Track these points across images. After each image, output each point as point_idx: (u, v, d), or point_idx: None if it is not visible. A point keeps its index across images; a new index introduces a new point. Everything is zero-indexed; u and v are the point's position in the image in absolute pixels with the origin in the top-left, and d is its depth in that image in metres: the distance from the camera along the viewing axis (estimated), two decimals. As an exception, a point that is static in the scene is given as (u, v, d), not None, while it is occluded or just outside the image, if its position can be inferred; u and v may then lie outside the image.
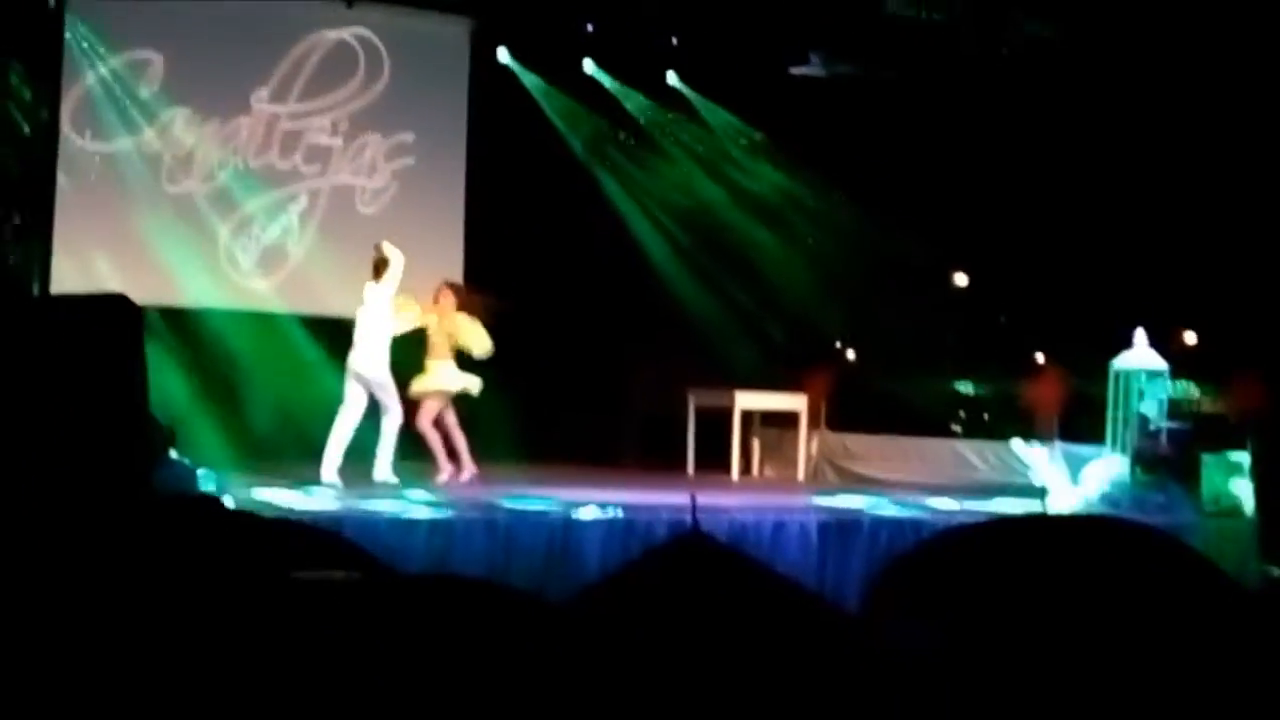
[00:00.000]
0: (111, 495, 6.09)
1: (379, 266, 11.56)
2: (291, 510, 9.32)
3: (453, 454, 11.91)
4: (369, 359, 11.42)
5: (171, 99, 13.98)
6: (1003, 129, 14.38)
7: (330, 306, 13.96)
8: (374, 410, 11.51)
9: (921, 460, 13.75)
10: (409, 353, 11.90)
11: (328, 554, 4.31)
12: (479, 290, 12.44)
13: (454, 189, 15.22)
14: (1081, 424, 12.70)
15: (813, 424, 14.59)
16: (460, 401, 12.04)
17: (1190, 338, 13.68)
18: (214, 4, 13.97)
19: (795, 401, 14.52)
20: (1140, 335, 12.20)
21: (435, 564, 8.89)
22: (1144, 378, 12.02)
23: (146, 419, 7.47)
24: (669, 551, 4.00)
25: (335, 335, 13.64)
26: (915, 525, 10.21)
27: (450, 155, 15.23)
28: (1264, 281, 13.30)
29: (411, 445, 11.87)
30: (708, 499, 10.20)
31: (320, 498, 10.26)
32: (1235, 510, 11.15)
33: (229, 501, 9.15)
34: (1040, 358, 14.33)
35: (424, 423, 11.78)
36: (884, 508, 10.92)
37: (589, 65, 15.69)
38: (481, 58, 15.30)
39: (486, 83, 15.27)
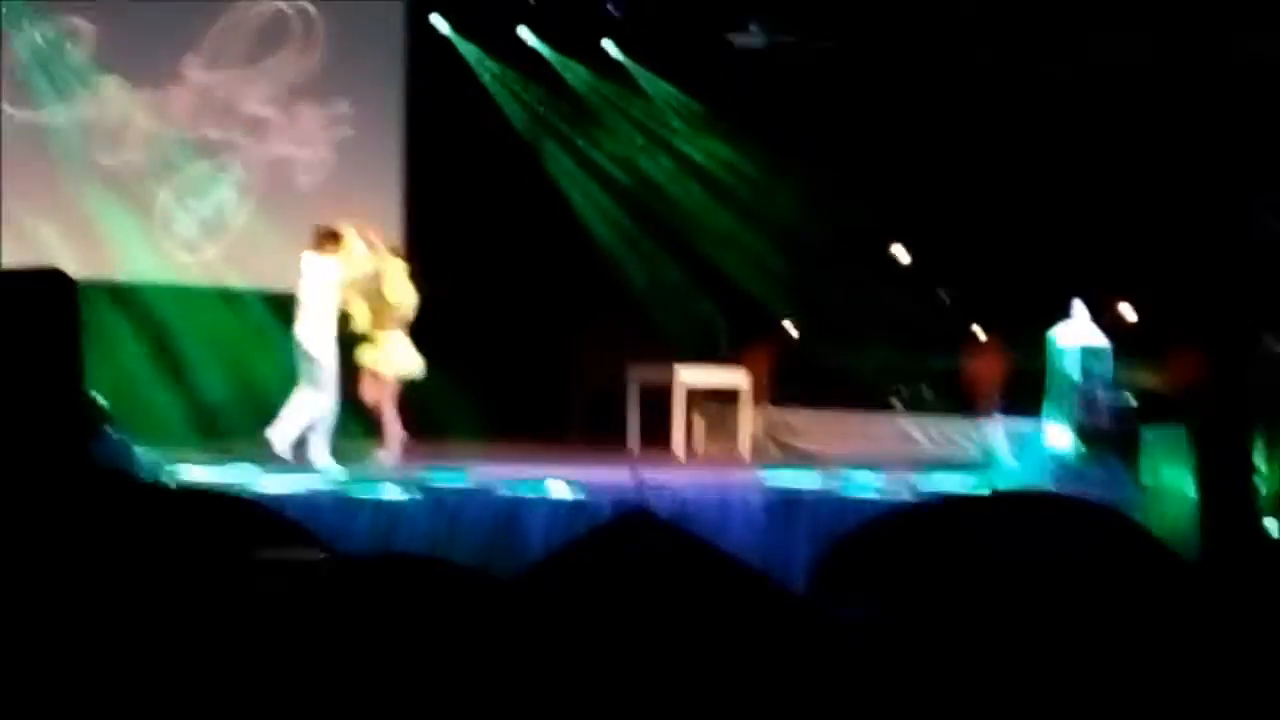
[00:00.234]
0: (48, 470, 5.97)
1: (324, 240, 11.29)
2: (230, 488, 9.18)
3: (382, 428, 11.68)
4: (310, 330, 11.19)
5: (103, 68, 13.73)
6: (941, 98, 14.36)
7: (269, 279, 13.79)
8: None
9: (865, 435, 13.76)
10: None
11: (272, 532, 4.24)
12: (417, 261, 12.22)
13: (392, 160, 15.08)
14: (1023, 397, 12.72)
15: (756, 400, 14.56)
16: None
17: (1129, 311, 13.73)
18: (145, -31, 13.74)
19: (738, 377, 14.47)
20: (1079, 306, 12.22)
21: (379, 543, 8.81)
22: (1085, 353, 12.06)
23: (82, 395, 7.34)
24: (614, 529, 3.95)
25: (275, 308, 13.50)
26: (859, 502, 10.19)
27: (388, 125, 15.08)
28: (1204, 253, 13.35)
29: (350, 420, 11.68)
30: (651, 476, 10.15)
31: (259, 476, 10.11)
32: (1175, 485, 11.21)
33: (164, 478, 9.05)
34: (981, 331, 14.36)
35: (371, 396, 11.56)
36: (828, 484, 10.90)
37: (527, 35, 15.55)
38: (418, 26, 15.13)
39: (424, 52, 15.11)
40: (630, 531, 3.86)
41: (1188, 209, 13.51)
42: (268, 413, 12.72)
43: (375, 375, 11.52)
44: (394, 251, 11.91)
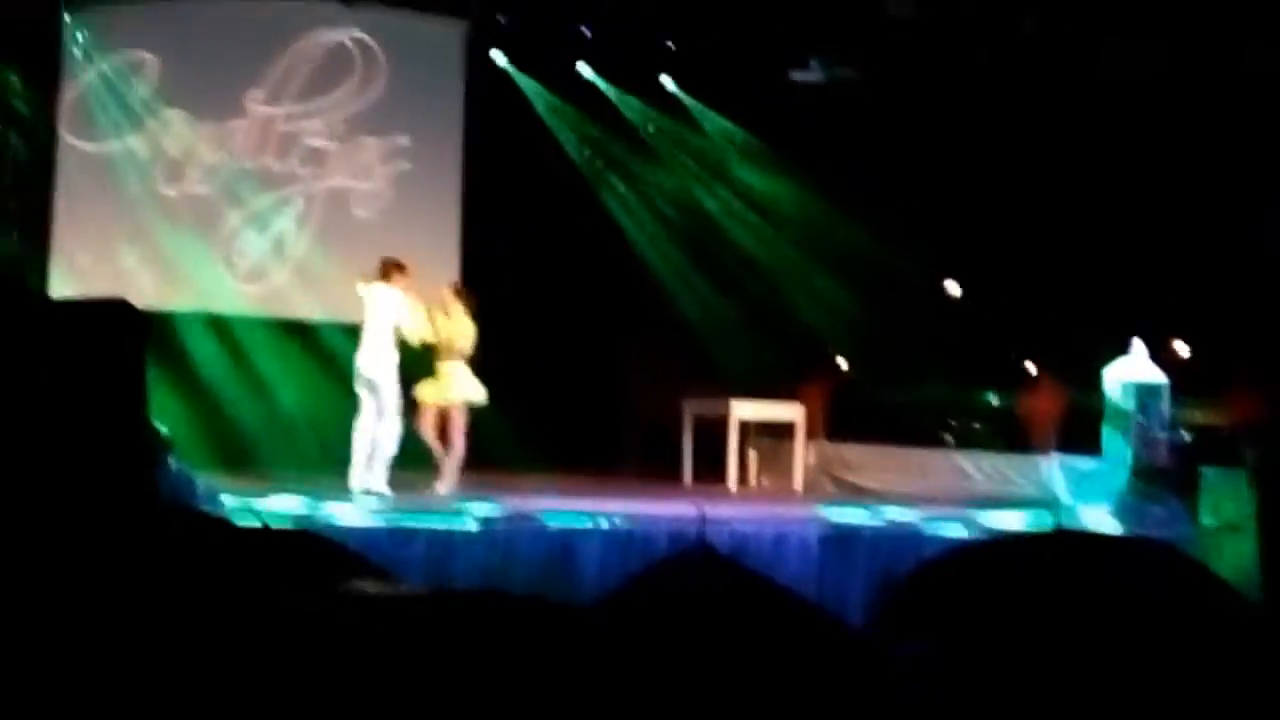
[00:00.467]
0: (115, 501, 6.04)
1: (388, 271, 11.48)
2: (288, 518, 9.25)
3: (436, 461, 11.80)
4: (373, 361, 11.34)
5: (167, 100, 13.91)
6: (1000, 135, 14.34)
7: (327, 310, 13.91)
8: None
9: (919, 471, 13.70)
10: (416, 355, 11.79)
11: (335, 565, 4.26)
12: (475, 295, 12.33)
13: (450, 193, 15.17)
14: (1080, 435, 12.64)
15: (810, 434, 14.54)
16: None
17: (1187, 349, 13.65)
18: (209, 5, 13.90)
19: (792, 411, 14.46)
20: (1138, 345, 12.14)
21: (434, 575, 8.84)
22: (1143, 389, 11.97)
23: (147, 424, 7.43)
24: (678, 564, 3.97)
25: (332, 338, 13.61)
26: (915, 538, 10.18)
27: (446, 159, 15.18)
28: (1261, 293, 13.28)
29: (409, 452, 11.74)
30: (709, 509, 10.14)
31: (317, 505, 10.17)
32: (1235, 524, 11.11)
33: (226, 509, 9.12)
34: (1037, 369, 14.29)
35: (429, 430, 11.68)
36: (884, 520, 10.87)
37: (584, 69, 15.64)
38: (477, 60, 15.25)
39: (482, 86, 15.22)
40: (695, 567, 3.88)
41: (1248, 250, 13.46)
42: (326, 441, 12.85)
43: (438, 405, 11.63)
44: (455, 291, 12.04)
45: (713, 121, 15.90)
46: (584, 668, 3.29)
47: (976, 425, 14.54)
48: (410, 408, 11.50)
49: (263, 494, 10.20)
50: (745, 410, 14.38)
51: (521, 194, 15.00)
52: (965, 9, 13.39)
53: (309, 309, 14.11)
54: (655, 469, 14.45)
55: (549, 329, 14.78)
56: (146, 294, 11.57)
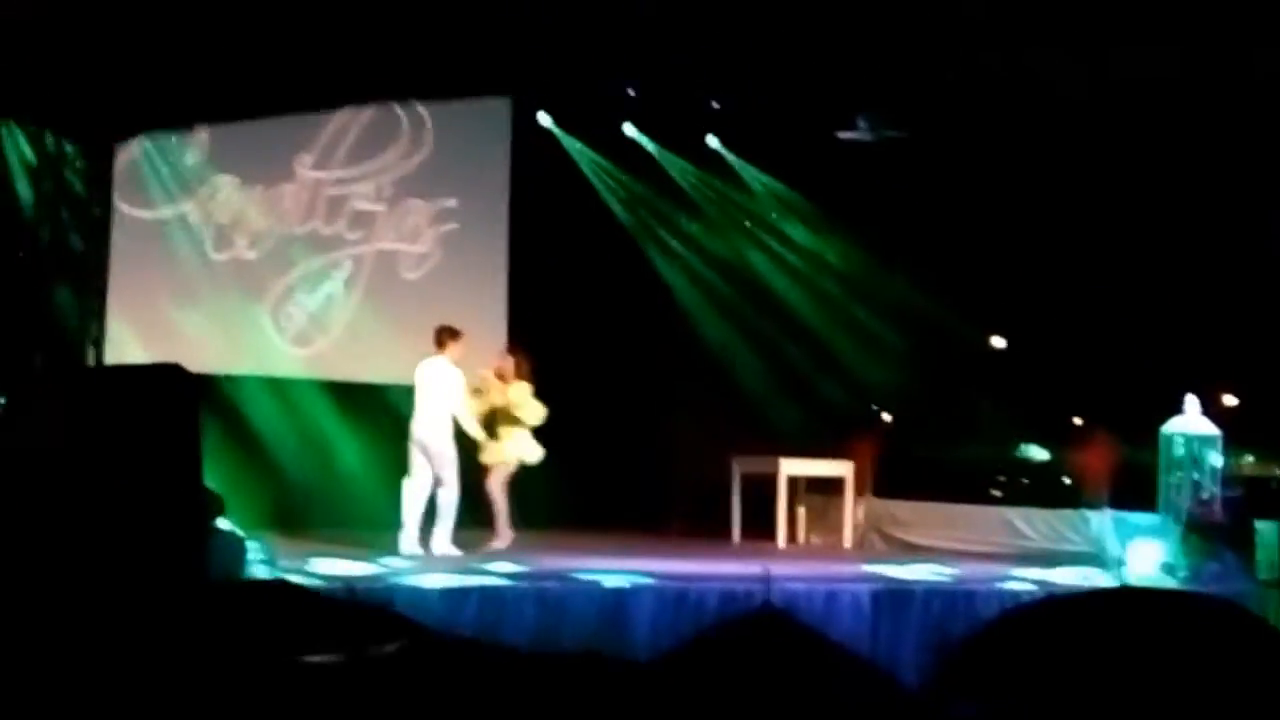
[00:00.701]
0: (166, 574, 6.06)
1: (443, 338, 11.67)
2: (342, 580, 9.29)
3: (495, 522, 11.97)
4: (430, 429, 11.52)
5: (217, 166, 14.06)
6: (1047, 192, 14.31)
7: (375, 373, 13.99)
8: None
9: (969, 528, 13.61)
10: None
11: (379, 626, 4.28)
12: (527, 355, 12.45)
13: (497, 253, 15.25)
14: (1133, 492, 12.55)
15: (858, 490, 14.49)
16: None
17: (1239, 402, 13.55)
18: (258, 71, 14.07)
19: (841, 468, 14.44)
20: (1192, 401, 12.09)
21: (486, 634, 8.82)
22: (1196, 444, 11.90)
23: (201, 490, 7.46)
24: (746, 624, 3.98)
25: (380, 402, 13.67)
26: (968, 595, 10.11)
27: (493, 220, 15.27)
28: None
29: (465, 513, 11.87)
30: (759, 566, 10.11)
31: (370, 567, 10.21)
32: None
33: (278, 569, 9.15)
34: (1088, 424, 14.20)
35: (495, 488, 11.88)
36: (936, 577, 10.81)
37: (630, 129, 15.73)
38: (523, 122, 15.35)
39: (528, 147, 15.31)
40: (764, 629, 3.88)
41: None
42: (377, 501, 12.90)
43: (494, 466, 11.80)
44: (510, 359, 12.18)
45: (758, 180, 15.95)
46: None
47: (1026, 481, 14.45)
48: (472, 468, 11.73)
49: (314, 555, 10.24)
50: (794, 467, 14.38)
51: (568, 254, 15.07)
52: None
53: (358, 370, 14.18)
54: (704, 527, 14.44)
55: (597, 388, 14.80)
56: (199, 358, 11.64)
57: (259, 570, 9.04)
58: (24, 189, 12.86)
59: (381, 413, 13.53)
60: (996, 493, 14.43)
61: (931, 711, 3.92)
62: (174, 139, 13.83)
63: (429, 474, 11.50)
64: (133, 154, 13.70)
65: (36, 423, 6.73)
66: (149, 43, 9.98)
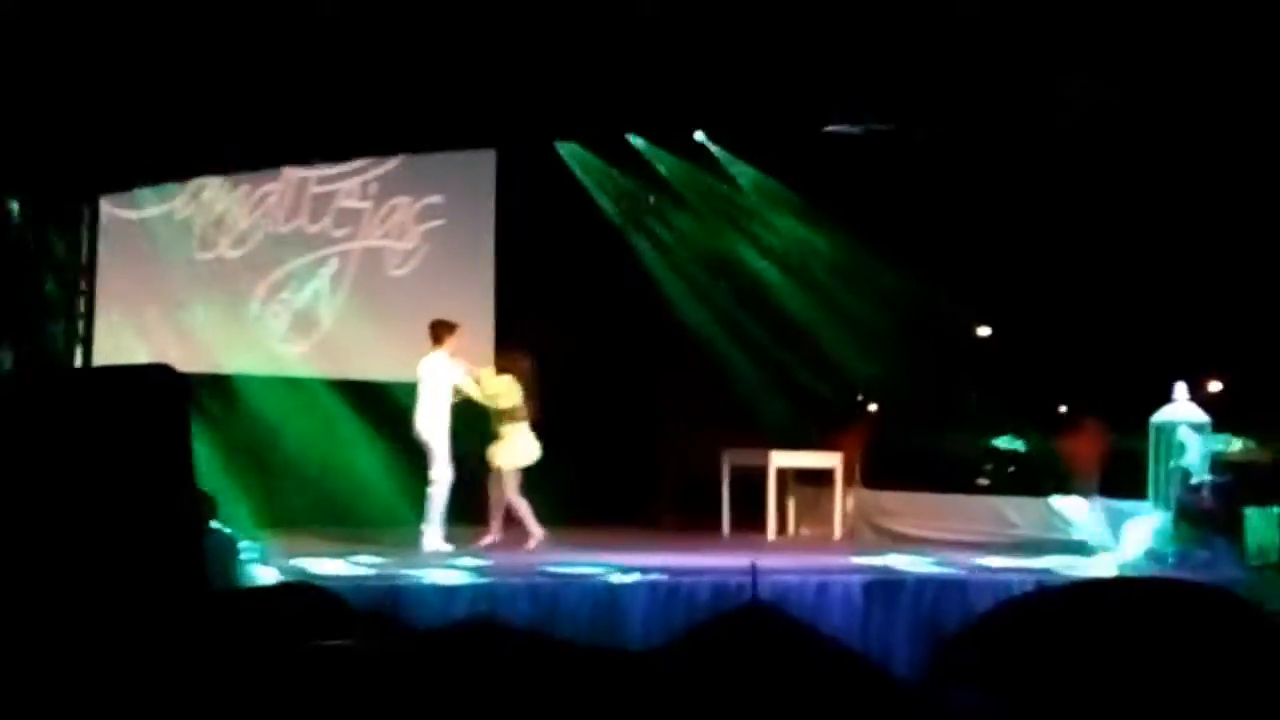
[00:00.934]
0: (161, 577, 6.05)
1: (439, 333, 11.75)
2: (332, 578, 9.28)
3: (489, 518, 12.00)
4: (426, 425, 11.67)
5: (202, 165, 14.00)
6: (1035, 182, 14.33)
7: (363, 370, 13.98)
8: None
9: (959, 517, 13.64)
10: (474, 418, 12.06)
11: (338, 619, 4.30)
12: (523, 354, 12.54)
13: (484, 248, 15.24)
14: (1122, 479, 12.59)
15: (848, 481, 14.52)
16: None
17: (1226, 388, 13.58)
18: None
19: (830, 459, 14.46)
20: (1181, 389, 12.12)
21: (479, 631, 8.82)
22: (1185, 431, 11.93)
23: (193, 491, 7.43)
24: (733, 620, 3.97)
25: (368, 399, 13.66)
26: (960, 585, 10.13)
27: (480, 215, 15.26)
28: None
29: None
30: (749, 560, 10.12)
31: (362, 565, 10.21)
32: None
33: (271, 568, 9.15)
34: (1077, 412, 14.24)
35: (512, 493, 11.99)
36: (928, 567, 10.84)
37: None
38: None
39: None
40: (748, 622, 3.88)
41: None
42: (363, 501, 12.91)
43: (493, 468, 11.98)
44: (502, 354, 12.35)
45: (745, 173, 15.93)
46: (636, 710, 3.31)
47: (1011, 469, 14.49)
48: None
49: (304, 553, 10.24)
50: (784, 459, 14.39)
51: (555, 248, 15.05)
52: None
53: (346, 368, 14.16)
54: (694, 520, 14.45)
55: (585, 383, 14.80)
56: (186, 358, 11.62)
57: (252, 570, 9.02)
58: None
59: (371, 409, 13.51)
60: (990, 483, 14.46)
61: (926, 702, 3.92)
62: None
63: (431, 467, 11.63)
64: (118, 154, 13.66)
65: (13, 425, 6.69)
66: (124, 101, 9.90)
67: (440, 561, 10.60)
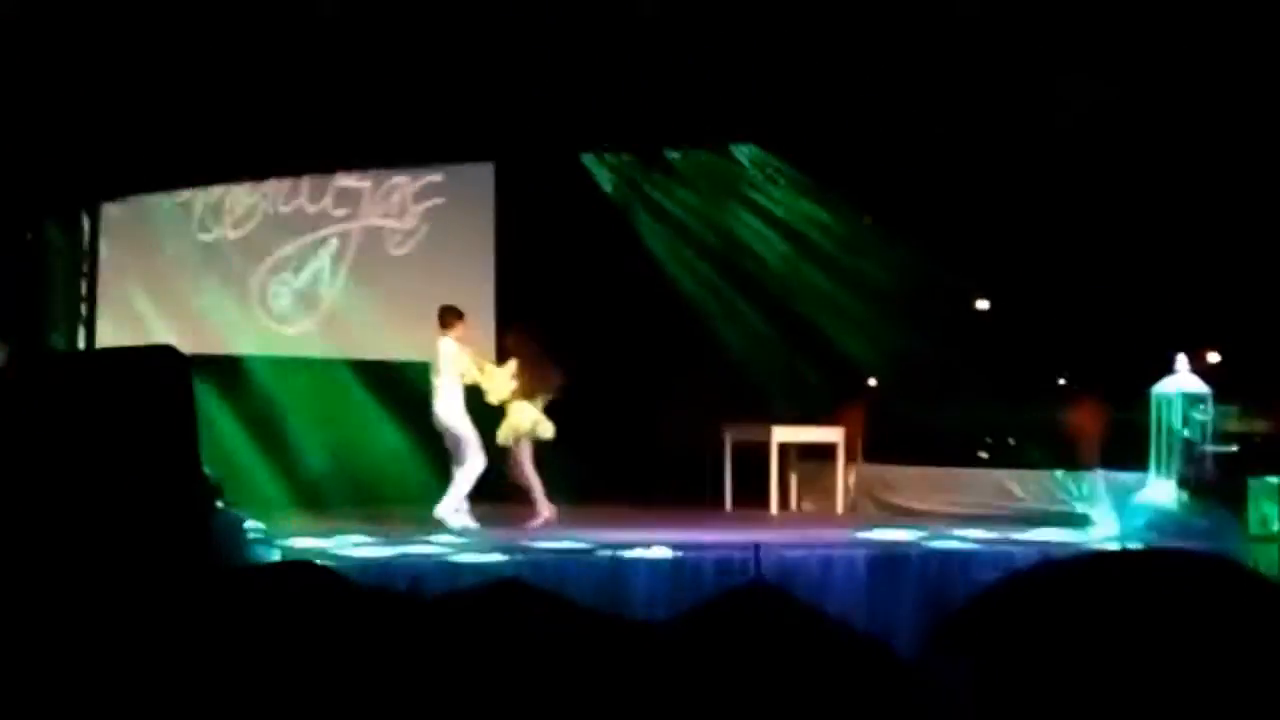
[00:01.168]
0: (169, 553, 6.07)
1: (448, 319, 11.77)
2: (338, 557, 9.31)
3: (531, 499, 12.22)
4: (445, 409, 11.74)
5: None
6: (1034, 152, 14.31)
7: (365, 349, 13.99)
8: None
9: (961, 491, 13.66)
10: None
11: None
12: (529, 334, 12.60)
13: (484, 227, 15.23)
14: (1124, 451, 12.59)
15: (850, 456, 14.53)
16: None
17: (1228, 360, 13.59)
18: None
19: (832, 434, 14.47)
20: (1182, 360, 12.13)
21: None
22: (1186, 402, 11.94)
23: (199, 471, 7.46)
24: (737, 601, 3.98)
25: (372, 377, 13.68)
26: (964, 558, 10.16)
27: (479, 193, 15.24)
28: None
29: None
30: (753, 535, 10.16)
31: (366, 544, 10.23)
32: (1282, 534, 11.07)
33: (269, 549, 9.17)
34: (1078, 385, 14.24)
35: (525, 466, 12.10)
36: (932, 541, 10.86)
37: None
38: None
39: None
40: (754, 603, 3.89)
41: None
42: (366, 481, 12.94)
43: (508, 444, 12.05)
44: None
45: (744, 149, 15.90)
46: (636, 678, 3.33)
47: (1012, 442, 14.50)
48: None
49: (311, 535, 10.26)
50: (786, 435, 14.41)
51: (555, 225, 15.04)
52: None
53: (347, 348, 14.17)
54: (696, 496, 14.46)
55: (586, 360, 14.79)
56: (186, 340, 11.62)
57: (258, 550, 9.05)
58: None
59: (375, 388, 13.54)
60: (984, 455, 14.47)
61: (926, 677, 3.93)
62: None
63: (453, 449, 11.74)
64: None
65: (18, 408, 6.70)
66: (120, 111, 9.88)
67: (446, 540, 10.62)
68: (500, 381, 12.08)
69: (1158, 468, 11.91)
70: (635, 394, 15.44)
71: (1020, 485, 13.31)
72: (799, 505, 14.76)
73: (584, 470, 13.92)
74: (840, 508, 14.41)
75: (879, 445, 14.71)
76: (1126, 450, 12.54)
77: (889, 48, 11.31)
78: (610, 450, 14.69)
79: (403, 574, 8.76)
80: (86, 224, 11.58)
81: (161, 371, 7.20)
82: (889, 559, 10.06)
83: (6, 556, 5.58)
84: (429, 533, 11.03)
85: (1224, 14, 11.01)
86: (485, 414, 12.15)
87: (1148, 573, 4.25)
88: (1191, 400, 11.93)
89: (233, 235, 14.15)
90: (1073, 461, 13.08)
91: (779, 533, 11.41)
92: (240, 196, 14.18)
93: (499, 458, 12.10)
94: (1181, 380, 12.04)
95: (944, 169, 14.61)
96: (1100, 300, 13.96)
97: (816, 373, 15.30)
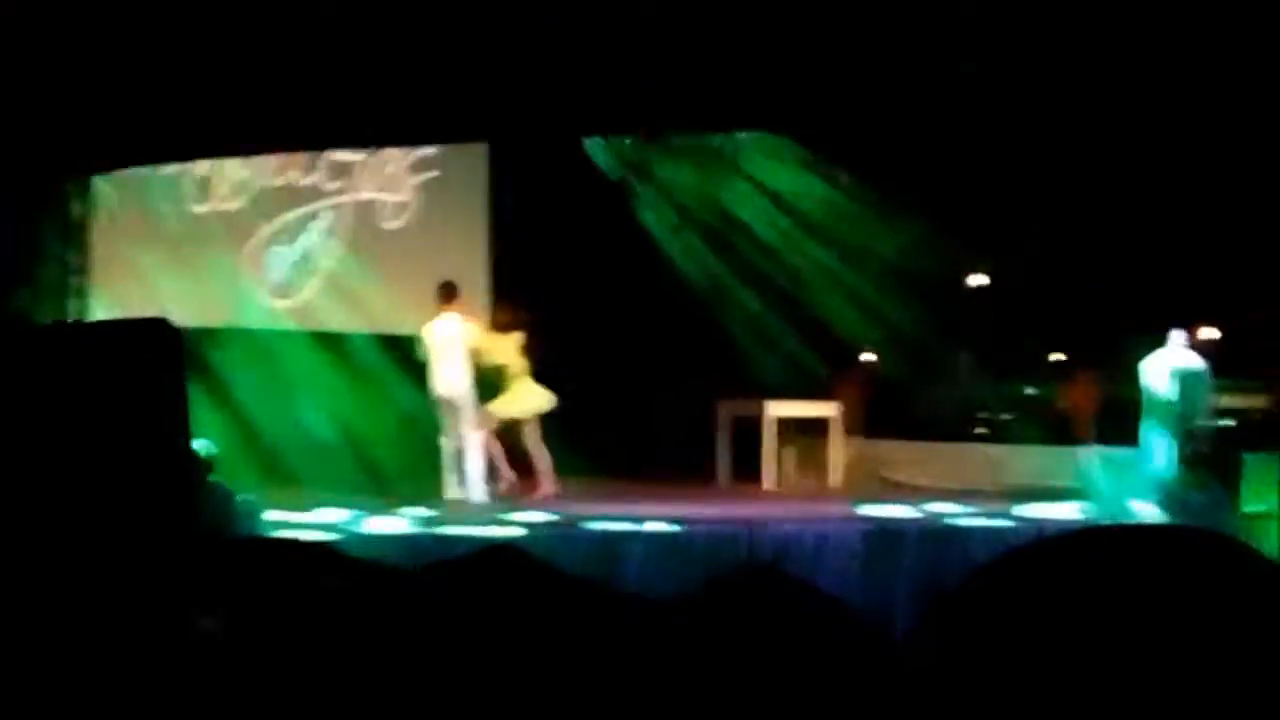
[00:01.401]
0: (155, 527, 6.03)
1: (451, 294, 11.74)
2: (327, 527, 9.29)
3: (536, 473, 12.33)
4: (452, 385, 11.77)
5: (194, 118, 13.90)
6: (1033, 129, 14.25)
7: (357, 322, 13.93)
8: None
9: (956, 465, 13.66)
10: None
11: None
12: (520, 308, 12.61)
13: (478, 200, 15.18)
14: (1119, 427, 12.59)
15: (845, 432, 14.50)
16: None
17: (1220, 334, 13.58)
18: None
19: (827, 409, 14.44)
20: (1177, 335, 12.10)
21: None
22: (1182, 377, 11.92)
23: (189, 445, 7.40)
24: (739, 582, 3.96)
25: (364, 351, 13.63)
26: (960, 534, 10.13)
27: (473, 166, 15.18)
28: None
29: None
30: (748, 510, 10.13)
31: (358, 519, 10.19)
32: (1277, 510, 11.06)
33: (262, 523, 9.14)
34: (1074, 361, 14.24)
35: (531, 442, 12.19)
36: (927, 516, 10.83)
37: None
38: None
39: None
40: (756, 585, 3.87)
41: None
42: (361, 452, 12.90)
43: (512, 419, 12.16)
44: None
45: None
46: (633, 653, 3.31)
47: (1008, 418, 14.50)
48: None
49: (302, 508, 10.22)
50: (781, 410, 14.37)
51: (550, 200, 14.98)
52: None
53: (340, 320, 14.12)
54: (691, 471, 14.44)
55: (580, 335, 14.76)
56: (182, 312, 11.56)
57: (249, 524, 9.01)
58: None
59: (370, 362, 13.48)
60: (988, 432, 14.48)
61: (921, 657, 3.91)
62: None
63: (452, 424, 11.79)
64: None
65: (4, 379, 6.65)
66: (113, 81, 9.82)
67: (438, 514, 10.59)
68: (510, 354, 12.14)
69: (1150, 442, 11.89)
70: (630, 369, 15.40)
71: (1015, 460, 13.30)
72: (795, 480, 14.74)
73: (580, 446, 13.88)
74: (836, 483, 14.38)
75: (874, 421, 14.70)
76: (1122, 426, 12.54)
77: (887, 20, 11.26)
78: (606, 426, 14.66)
79: (388, 550, 8.74)
80: (77, 198, 11.49)
81: (152, 344, 7.15)
82: (884, 534, 10.03)
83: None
84: (429, 506, 11.02)
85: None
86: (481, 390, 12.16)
87: (1142, 550, 4.23)
88: (1187, 376, 11.91)
89: (225, 208, 14.07)
90: (1068, 437, 13.07)
91: (774, 508, 11.38)
92: (232, 169, 14.09)
93: (513, 437, 12.20)
94: (1177, 356, 12.02)
95: (941, 145, 14.57)
96: (1096, 277, 13.94)
97: (812, 349, 15.27)
